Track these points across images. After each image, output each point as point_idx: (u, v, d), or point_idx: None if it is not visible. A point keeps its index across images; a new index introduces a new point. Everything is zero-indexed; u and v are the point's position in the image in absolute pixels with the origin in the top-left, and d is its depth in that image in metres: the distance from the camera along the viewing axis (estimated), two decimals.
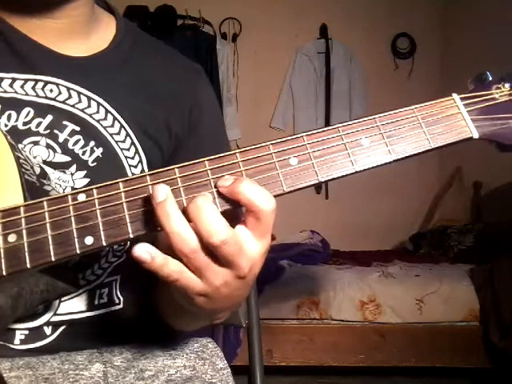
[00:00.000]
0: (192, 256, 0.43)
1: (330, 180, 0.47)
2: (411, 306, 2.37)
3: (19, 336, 0.64)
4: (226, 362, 0.75)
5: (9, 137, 0.52)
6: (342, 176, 0.47)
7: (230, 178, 0.44)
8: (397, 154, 0.48)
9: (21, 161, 0.51)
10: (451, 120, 0.50)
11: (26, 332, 0.64)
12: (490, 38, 3.03)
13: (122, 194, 0.44)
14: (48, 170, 0.64)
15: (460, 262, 2.68)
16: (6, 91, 0.63)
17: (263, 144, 0.46)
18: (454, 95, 0.51)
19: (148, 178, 0.44)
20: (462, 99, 0.51)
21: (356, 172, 0.47)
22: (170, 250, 0.44)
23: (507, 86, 0.52)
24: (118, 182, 0.44)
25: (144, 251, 0.43)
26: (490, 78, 0.53)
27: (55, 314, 0.65)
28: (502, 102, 0.51)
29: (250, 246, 0.45)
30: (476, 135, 0.50)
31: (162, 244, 0.45)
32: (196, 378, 0.69)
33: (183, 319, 0.68)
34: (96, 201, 0.44)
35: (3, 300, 0.49)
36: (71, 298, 0.66)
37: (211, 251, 0.43)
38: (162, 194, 0.42)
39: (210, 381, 0.70)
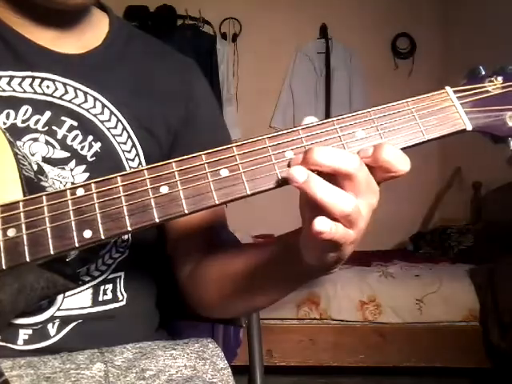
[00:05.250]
0: (354, 210, 0.43)
1: None
2: (411, 306, 2.37)
3: (22, 336, 0.64)
4: (226, 361, 0.75)
5: (7, 134, 0.53)
6: None
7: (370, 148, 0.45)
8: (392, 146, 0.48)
9: (19, 157, 0.51)
10: (445, 112, 0.50)
11: (30, 332, 0.64)
12: (490, 38, 3.04)
13: (120, 188, 0.44)
14: (47, 167, 0.64)
15: (460, 262, 2.68)
16: (4, 90, 0.64)
17: (259, 138, 0.46)
18: (447, 88, 0.52)
19: (146, 172, 0.45)
20: (455, 92, 0.52)
21: None
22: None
23: (500, 79, 0.53)
24: (116, 177, 0.45)
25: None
26: (483, 72, 0.53)
27: (59, 310, 0.65)
28: (495, 95, 0.52)
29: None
30: (469, 127, 0.51)
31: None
32: (197, 377, 0.69)
33: (272, 290, 0.65)
34: (94, 195, 0.44)
35: (3, 295, 0.50)
36: (76, 293, 0.66)
37: (357, 182, 0.44)
38: (303, 175, 0.42)
39: (210, 381, 0.70)
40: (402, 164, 0.45)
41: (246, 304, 0.70)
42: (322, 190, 0.42)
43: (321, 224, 0.42)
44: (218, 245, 0.73)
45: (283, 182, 0.45)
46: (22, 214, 0.43)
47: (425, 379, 2.40)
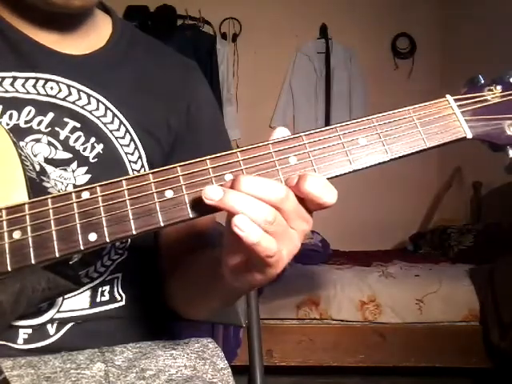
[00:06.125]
0: (274, 222, 0.43)
1: (328, 179, 0.47)
2: (411, 306, 2.37)
3: (22, 335, 0.64)
4: (226, 361, 0.75)
5: (11, 134, 0.53)
6: (340, 174, 0.48)
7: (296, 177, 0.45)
8: (393, 153, 0.49)
9: (22, 157, 0.51)
10: (446, 120, 0.51)
11: (30, 331, 0.64)
12: (489, 38, 3.04)
13: (126, 192, 0.45)
14: (49, 168, 0.64)
15: (460, 262, 2.68)
16: (7, 91, 0.64)
17: (263, 143, 0.47)
18: (448, 96, 0.53)
19: (151, 176, 0.45)
20: (455, 100, 0.52)
21: (354, 171, 0.48)
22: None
23: (499, 88, 0.54)
24: (121, 180, 0.45)
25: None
26: (482, 81, 0.54)
27: (58, 311, 0.66)
28: (494, 104, 0.53)
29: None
30: (470, 135, 0.51)
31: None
32: (196, 377, 0.69)
33: (210, 302, 0.66)
34: (100, 198, 0.44)
35: (5, 297, 0.50)
36: (74, 295, 0.67)
37: (284, 212, 0.44)
38: (218, 193, 0.42)
39: (210, 381, 0.70)
40: (326, 196, 0.44)
41: (205, 305, 0.70)
42: (239, 202, 0.42)
43: (239, 220, 0.41)
44: (201, 247, 0.72)
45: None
46: (27, 217, 0.44)
47: (425, 379, 2.40)
